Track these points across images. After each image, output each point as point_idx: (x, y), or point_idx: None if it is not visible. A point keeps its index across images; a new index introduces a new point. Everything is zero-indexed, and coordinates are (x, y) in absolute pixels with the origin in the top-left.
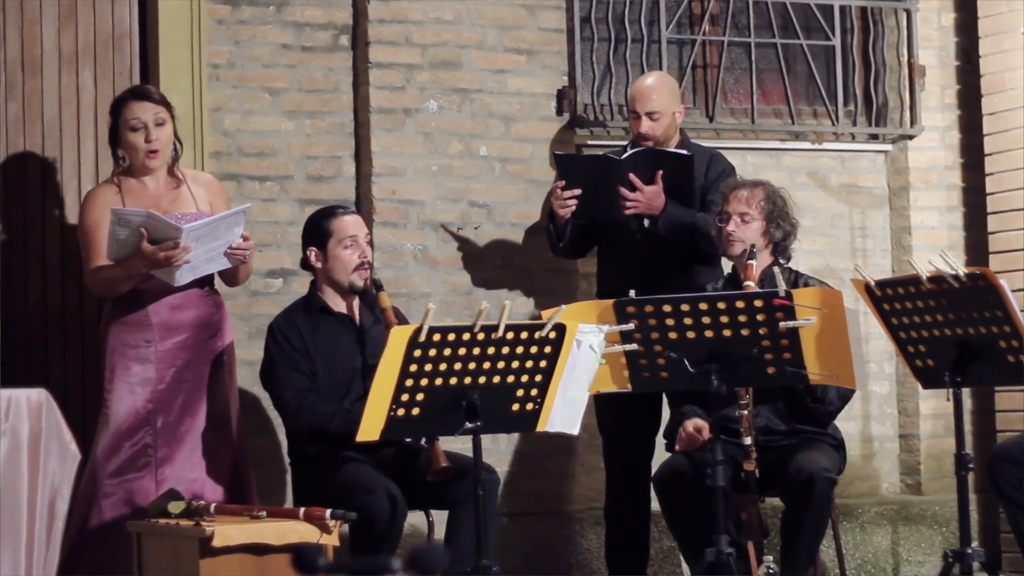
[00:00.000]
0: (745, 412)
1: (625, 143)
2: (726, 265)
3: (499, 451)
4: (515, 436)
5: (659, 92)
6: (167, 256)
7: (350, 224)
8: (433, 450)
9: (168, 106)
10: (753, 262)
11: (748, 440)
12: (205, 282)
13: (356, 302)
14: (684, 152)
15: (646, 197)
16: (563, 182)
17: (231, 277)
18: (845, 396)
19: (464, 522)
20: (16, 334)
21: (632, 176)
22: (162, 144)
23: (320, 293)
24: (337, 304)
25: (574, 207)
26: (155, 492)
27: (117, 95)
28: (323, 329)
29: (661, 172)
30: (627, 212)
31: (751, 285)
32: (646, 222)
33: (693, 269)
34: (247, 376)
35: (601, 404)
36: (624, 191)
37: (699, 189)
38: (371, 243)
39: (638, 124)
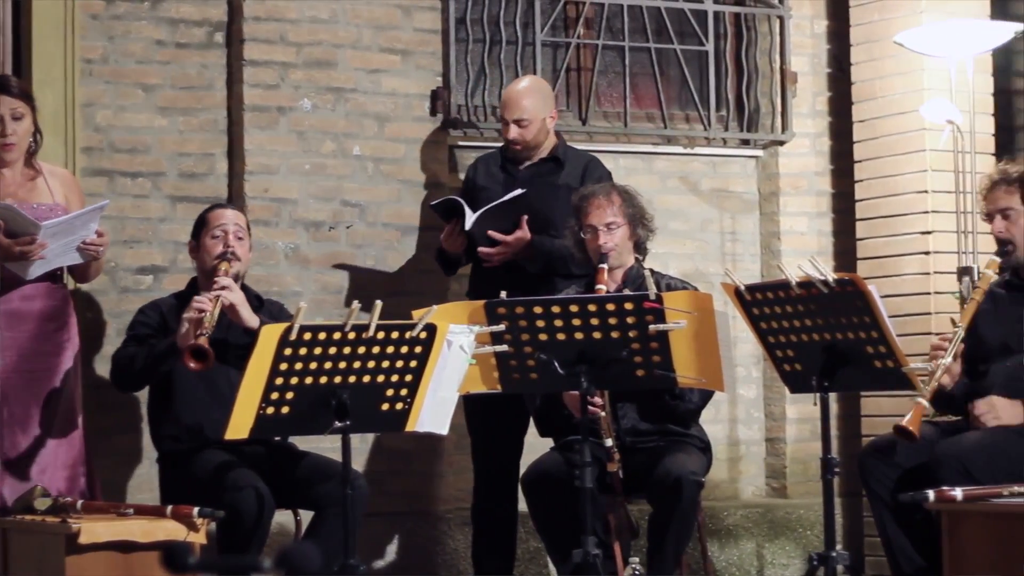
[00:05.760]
0: (603, 414)
1: (499, 145)
2: None
3: (367, 451)
4: (384, 436)
5: (529, 98)
6: (23, 251)
7: (221, 215)
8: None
9: (29, 99)
10: (604, 266)
11: (609, 441)
12: (54, 275)
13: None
14: (517, 192)
15: (511, 247)
16: (449, 225)
17: (81, 273)
18: (706, 394)
19: (329, 522)
20: None
21: (492, 233)
22: (19, 138)
23: (198, 283)
24: (208, 290)
25: (464, 242)
26: (1, 483)
27: None
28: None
29: (526, 217)
30: (495, 264)
31: (603, 289)
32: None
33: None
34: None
35: (470, 405)
36: (484, 250)
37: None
38: (245, 238)
39: (507, 130)
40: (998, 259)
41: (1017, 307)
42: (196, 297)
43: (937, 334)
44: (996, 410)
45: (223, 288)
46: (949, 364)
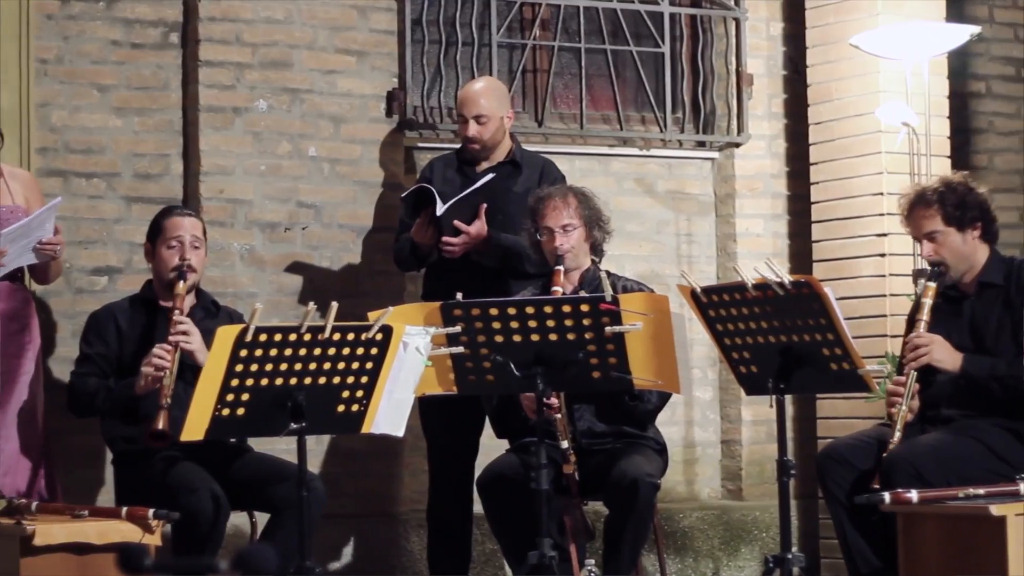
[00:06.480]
0: (558, 416)
1: (455, 147)
2: None
3: (323, 452)
4: (340, 437)
5: (487, 96)
6: None
7: (178, 225)
8: (159, 413)
9: None
10: (560, 268)
11: (565, 444)
12: (15, 276)
13: (189, 298)
14: (488, 177)
15: (472, 237)
16: (421, 216)
17: (41, 274)
18: (664, 395)
19: (285, 524)
20: None
21: (457, 223)
22: None
23: (153, 287)
24: (165, 299)
25: (435, 233)
26: None
27: None
28: (145, 321)
29: (485, 206)
30: (456, 255)
31: (559, 291)
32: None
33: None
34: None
35: (426, 406)
36: (448, 239)
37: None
38: (201, 246)
39: (465, 128)
40: (933, 284)
41: (956, 318)
42: (155, 351)
43: (892, 336)
44: (933, 346)
45: (182, 334)
46: (908, 407)
